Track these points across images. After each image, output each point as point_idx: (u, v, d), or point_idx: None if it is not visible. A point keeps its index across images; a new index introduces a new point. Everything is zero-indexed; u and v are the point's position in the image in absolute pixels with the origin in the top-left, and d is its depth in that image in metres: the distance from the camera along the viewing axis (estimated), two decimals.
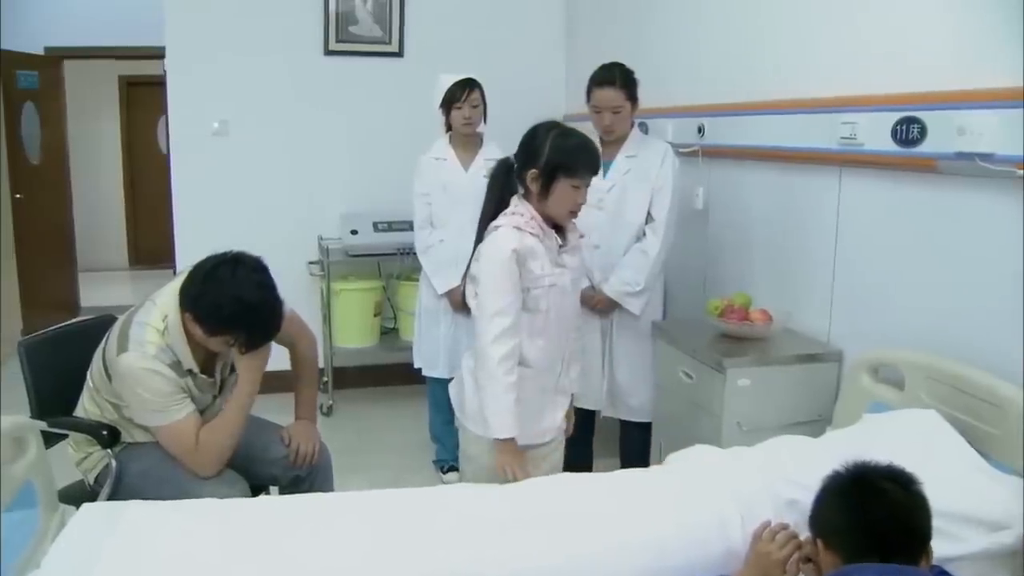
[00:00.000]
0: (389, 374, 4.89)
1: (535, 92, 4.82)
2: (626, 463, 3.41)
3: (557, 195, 2.22)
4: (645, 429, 3.32)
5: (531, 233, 2.21)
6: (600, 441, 3.58)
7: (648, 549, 1.77)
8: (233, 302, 2.11)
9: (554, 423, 2.44)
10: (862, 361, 2.51)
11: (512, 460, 2.23)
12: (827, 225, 2.80)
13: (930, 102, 2.29)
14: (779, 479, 1.89)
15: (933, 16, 2.34)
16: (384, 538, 1.80)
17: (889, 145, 2.43)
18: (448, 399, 3.61)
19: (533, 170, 2.22)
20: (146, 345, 2.18)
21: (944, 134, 2.22)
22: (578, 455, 3.50)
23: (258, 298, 2.15)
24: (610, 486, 2.01)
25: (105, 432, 2.30)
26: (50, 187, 6.80)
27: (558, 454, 2.54)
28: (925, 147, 2.30)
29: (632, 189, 3.12)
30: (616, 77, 3.04)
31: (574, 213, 2.28)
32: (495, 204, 2.31)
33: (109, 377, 2.27)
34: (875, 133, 2.49)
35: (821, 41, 2.82)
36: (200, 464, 2.24)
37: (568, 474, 2.15)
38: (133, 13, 6.46)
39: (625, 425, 3.37)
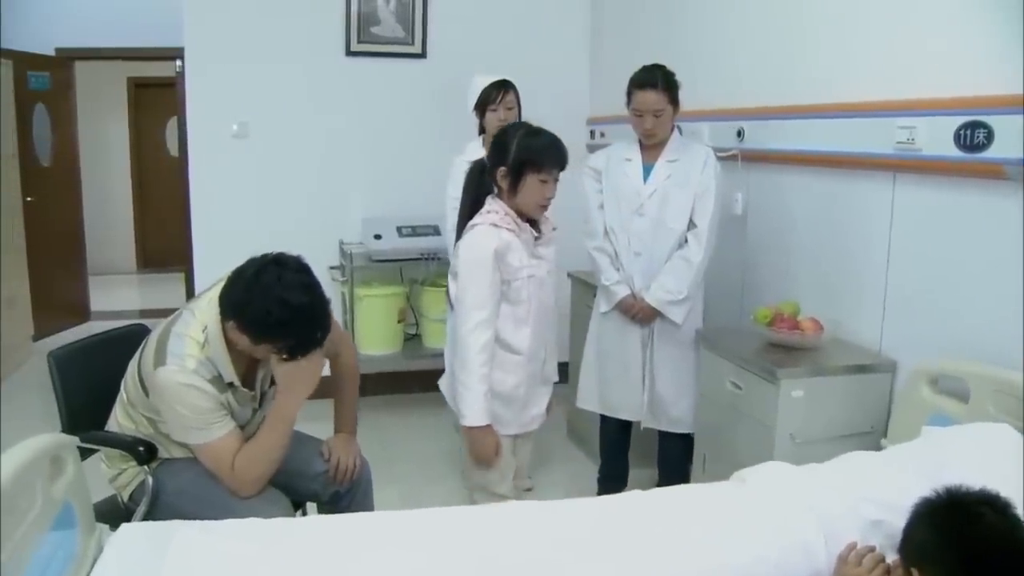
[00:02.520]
0: (413, 381, 4.81)
1: (559, 94, 4.76)
2: (664, 474, 3.34)
3: (526, 189, 2.34)
4: (684, 440, 3.25)
5: (507, 229, 2.34)
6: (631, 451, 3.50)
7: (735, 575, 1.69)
8: (281, 306, 1.99)
9: (539, 411, 2.60)
10: (921, 371, 2.43)
11: (489, 446, 2.40)
12: (879, 232, 2.72)
13: (997, 106, 2.21)
14: (861, 499, 1.81)
15: (996, 16, 2.26)
16: (452, 564, 1.71)
17: (951, 150, 2.35)
18: None
19: (502, 168, 2.35)
20: (185, 358, 2.08)
21: (1012, 139, 2.14)
22: (614, 468, 3.45)
23: (306, 300, 2.04)
24: (683, 504, 1.92)
25: (142, 448, 2.20)
26: (61, 190, 6.72)
27: (531, 442, 2.74)
28: (991, 152, 2.22)
29: (674, 195, 3.04)
30: (658, 79, 2.95)
31: (544, 207, 2.40)
32: (471, 204, 2.44)
33: (145, 391, 2.17)
34: (936, 138, 2.41)
35: (873, 42, 2.73)
36: (239, 484, 2.15)
37: (636, 492, 2.06)
38: (143, 15, 6.43)
39: (664, 436, 3.28)
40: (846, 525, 1.76)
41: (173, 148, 9.36)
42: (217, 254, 4.61)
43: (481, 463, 2.43)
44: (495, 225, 2.33)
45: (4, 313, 5.39)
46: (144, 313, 7.67)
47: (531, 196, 2.34)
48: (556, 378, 2.69)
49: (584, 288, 4.07)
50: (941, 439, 2.11)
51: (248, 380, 2.23)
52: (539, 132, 2.40)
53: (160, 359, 2.09)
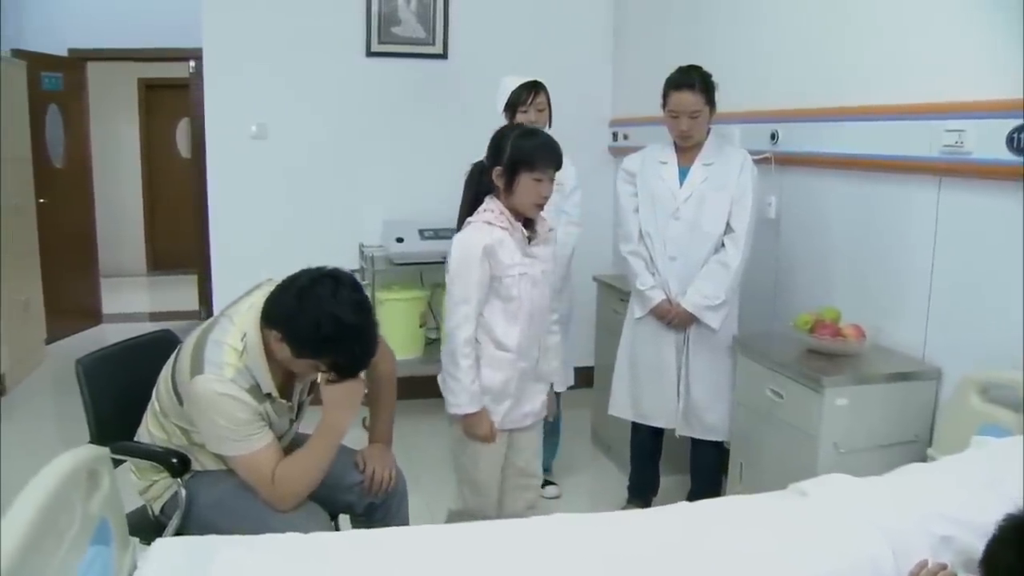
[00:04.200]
0: (434, 386, 4.70)
1: (581, 96, 4.69)
2: (697, 483, 3.28)
3: (521, 189, 2.38)
4: (718, 448, 3.19)
5: (500, 227, 2.39)
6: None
7: None
8: (332, 322, 1.94)
9: (533, 408, 2.61)
10: (970, 380, 2.38)
11: (484, 428, 2.46)
12: (923, 237, 2.66)
13: None
14: (928, 513, 1.75)
15: None
16: None
17: (1003, 153, 2.29)
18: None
19: (498, 167, 2.40)
20: (223, 367, 2.02)
21: None
22: (645, 477, 3.39)
23: (358, 320, 1.98)
24: (742, 517, 1.86)
25: (175, 460, 2.14)
26: (73, 191, 6.68)
27: (538, 438, 2.73)
28: None
29: (710, 198, 2.98)
30: (695, 80, 2.90)
31: (540, 205, 2.43)
32: (470, 203, 2.50)
33: (180, 400, 2.11)
34: (986, 141, 2.35)
35: (916, 43, 2.67)
36: (278, 498, 2.08)
37: (684, 503, 2.01)
38: (155, 16, 6.38)
39: (697, 443, 3.21)
40: (915, 541, 1.70)
41: (184, 149, 9.33)
42: (235, 257, 4.60)
43: (479, 441, 2.50)
44: (488, 223, 2.39)
45: (19, 316, 5.34)
46: (155, 316, 7.63)
47: (526, 195, 2.39)
48: (554, 378, 2.72)
49: (610, 292, 4.01)
50: (997, 450, 2.06)
51: (285, 391, 2.16)
52: (533, 133, 2.47)
53: (197, 367, 2.02)
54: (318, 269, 2.06)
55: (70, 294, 6.53)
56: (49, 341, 6.06)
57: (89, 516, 1.73)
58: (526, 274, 2.43)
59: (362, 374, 2.16)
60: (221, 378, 2.01)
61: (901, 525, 1.72)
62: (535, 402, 2.60)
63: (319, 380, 2.10)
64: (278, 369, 2.09)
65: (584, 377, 3.99)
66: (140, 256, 9.59)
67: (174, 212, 9.13)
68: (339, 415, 2.11)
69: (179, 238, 8.92)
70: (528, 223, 2.47)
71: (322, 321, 1.94)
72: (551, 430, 3.72)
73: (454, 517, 2.63)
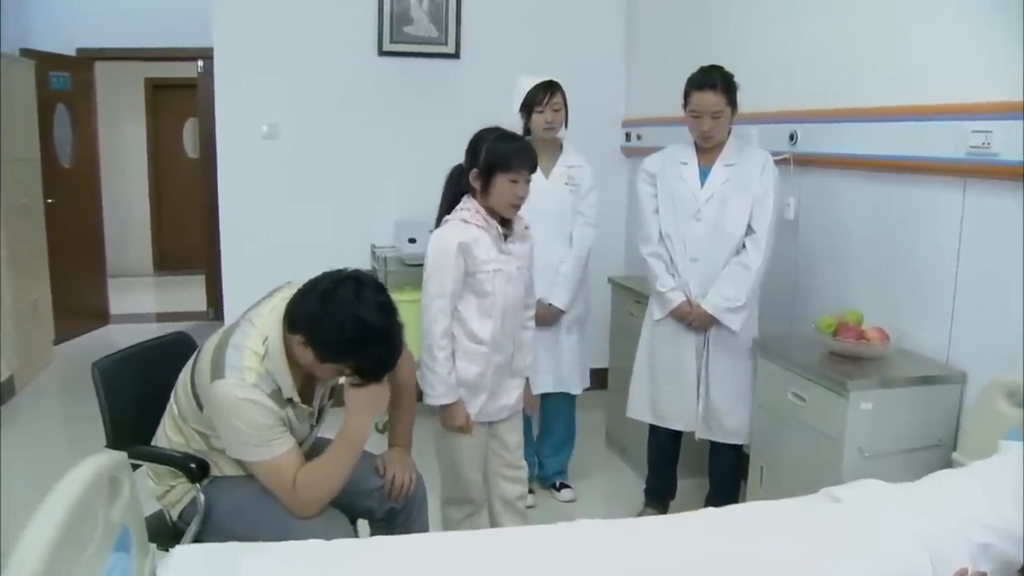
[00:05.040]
0: None
1: (594, 96, 4.63)
2: (716, 486, 3.25)
3: (497, 189, 2.46)
4: (737, 451, 3.16)
5: (476, 225, 2.47)
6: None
7: None
8: (357, 325, 1.91)
9: (509, 402, 2.67)
10: (997, 384, 2.34)
11: (460, 418, 2.54)
12: (947, 239, 2.62)
13: None
14: (965, 520, 1.72)
15: None
16: None
17: None
18: (525, 418, 3.48)
19: (475, 169, 2.48)
20: (245, 371, 1.98)
21: None
22: (662, 480, 3.36)
23: (383, 322, 1.95)
24: (775, 523, 1.83)
25: (194, 465, 2.10)
26: (81, 191, 6.66)
27: (519, 429, 2.78)
28: None
29: (732, 200, 2.94)
30: (717, 80, 2.86)
31: (516, 205, 2.51)
32: (449, 203, 2.58)
33: (199, 405, 2.07)
34: (1014, 142, 2.31)
35: (940, 43, 2.64)
36: (299, 505, 2.05)
37: (711, 509, 1.98)
38: (163, 15, 6.36)
39: (715, 447, 3.18)
40: (953, 548, 1.68)
41: (190, 149, 9.31)
42: (245, 257, 4.57)
43: (456, 432, 2.58)
44: (465, 221, 2.48)
45: (27, 317, 5.32)
46: (162, 316, 7.61)
47: (502, 195, 2.46)
48: (528, 373, 2.79)
49: (625, 293, 3.98)
50: None
51: (306, 395, 2.13)
52: (508, 136, 2.54)
53: (217, 371, 1.99)
54: (340, 271, 2.03)
55: (78, 294, 6.52)
56: (57, 342, 6.04)
57: (111, 523, 1.70)
58: (500, 270, 2.51)
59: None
60: (242, 382, 1.97)
61: (938, 532, 1.70)
62: (511, 396, 2.67)
63: (343, 383, 2.06)
64: (299, 373, 2.06)
65: (598, 379, 3.96)
66: (147, 256, 9.57)
67: (181, 212, 9.11)
68: (362, 420, 2.08)
69: (186, 238, 8.91)
70: (504, 221, 2.54)
71: (346, 323, 1.91)
72: (566, 433, 3.69)
73: (444, 505, 2.71)
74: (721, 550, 1.71)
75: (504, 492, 2.74)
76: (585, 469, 3.91)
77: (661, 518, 2.00)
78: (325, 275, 2.02)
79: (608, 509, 3.62)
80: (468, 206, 2.51)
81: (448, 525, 2.70)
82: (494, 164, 2.45)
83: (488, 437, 2.68)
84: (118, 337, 6.65)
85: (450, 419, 2.56)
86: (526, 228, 2.65)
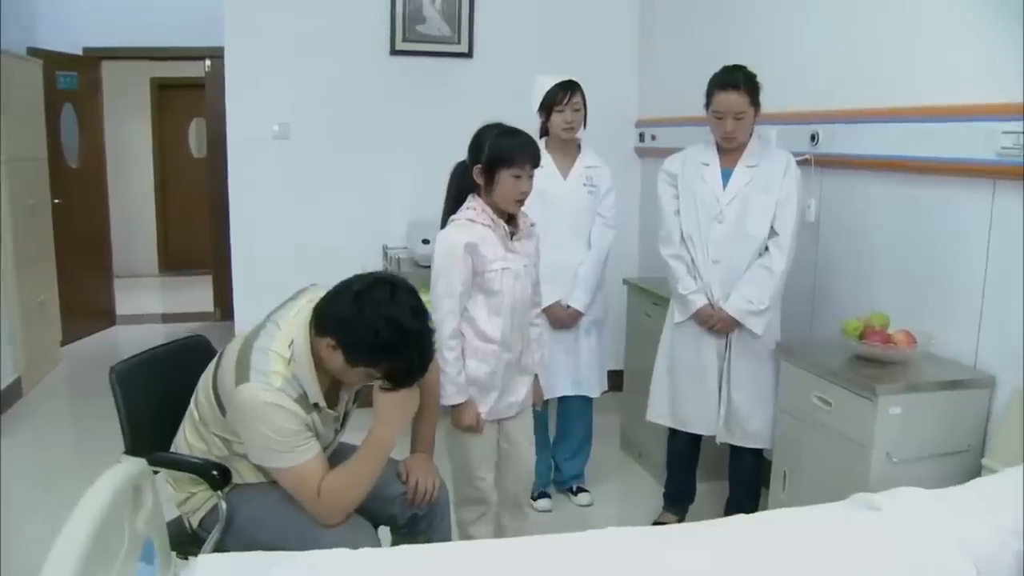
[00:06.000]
0: None
1: (607, 96, 4.55)
2: (736, 491, 3.21)
3: (501, 186, 2.46)
4: (758, 455, 3.12)
5: (483, 224, 2.48)
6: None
7: None
8: (391, 328, 1.87)
9: (518, 399, 2.68)
10: None
11: (470, 417, 2.55)
12: (975, 241, 2.58)
13: None
14: (1008, 530, 1.68)
15: None
16: None
17: None
18: (542, 421, 3.45)
19: (478, 166, 2.48)
20: (271, 376, 1.94)
21: None
22: (681, 484, 3.32)
23: (417, 325, 1.92)
24: (813, 531, 1.79)
25: (216, 472, 2.07)
26: (88, 191, 6.62)
27: (528, 425, 2.80)
28: None
29: (754, 201, 2.91)
30: (740, 80, 2.82)
31: (520, 202, 2.51)
32: (453, 201, 2.59)
33: (222, 410, 2.03)
34: None
35: (967, 43, 2.60)
36: (324, 512, 2.01)
37: (742, 516, 1.94)
38: (170, 15, 6.32)
39: (736, 451, 3.14)
40: (998, 557, 1.64)
41: (196, 149, 9.28)
42: (256, 258, 4.54)
43: (465, 431, 2.58)
44: (471, 220, 2.48)
45: (35, 318, 5.28)
46: (168, 317, 7.58)
47: (506, 191, 2.46)
48: (537, 370, 2.80)
49: (641, 295, 3.94)
50: None
51: (331, 400, 2.09)
52: (511, 132, 2.53)
53: (242, 375, 1.94)
54: (371, 274, 2.00)
55: (84, 295, 6.48)
56: (63, 343, 6.00)
57: (136, 535, 1.67)
58: (508, 269, 2.51)
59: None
60: (268, 387, 1.93)
61: (983, 540, 1.66)
62: (519, 393, 2.68)
63: (375, 388, 2.02)
64: (325, 378, 2.02)
65: (613, 381, 3.93)
66: (152, 256, 9.53)
67: (186, 212, 9.08)
68: (391, 427, 2.05)
69: (191, 238, 8.88)
70: (510, 219, 2.54)
71: (380, 326, 1.87)
72: (583, 436, 3.65)
73: (457, 506, 2.67)
74: (761, 557, 1.68)
75: (506, 488, 2.74)
76: (601, 472, 3.87)
77: (697, 525, 1.96)
78: (357, 277, 1.99)
79: (625, 513, 3.58)
80: (474, 205, 2.51)
81: (462, 527, 2.69)
82: (497, 160, 2.45)
83: (499, 435, 2.69)
84: (125, 338, 6.63)
85: (460, 419, 2.56)
86: (532, 225, 2.65)
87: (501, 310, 2.53)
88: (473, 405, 2.56)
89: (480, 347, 2.54)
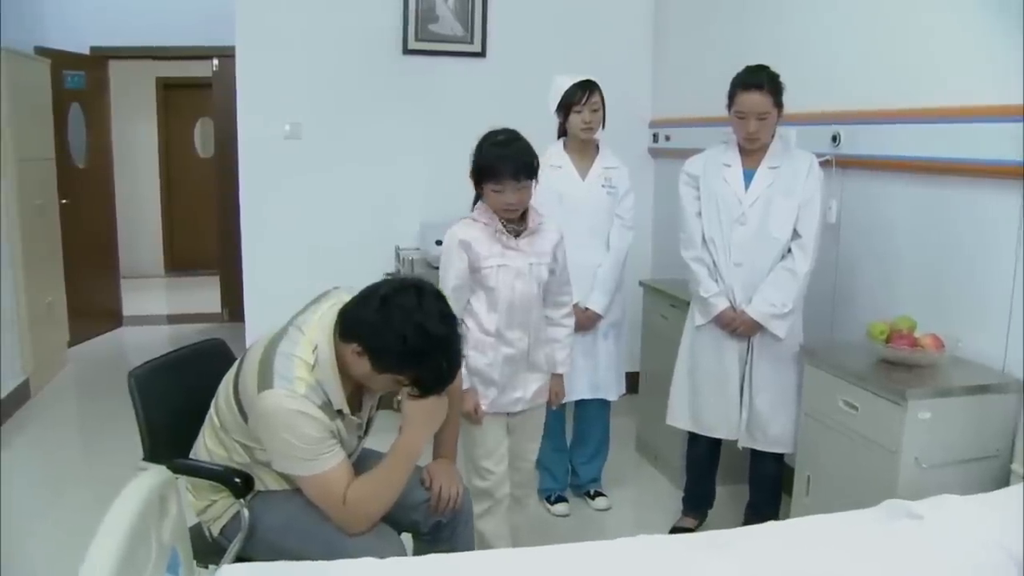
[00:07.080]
0: None
1: (621, 96, 4.50)
2: (757, 495, 3.18)
3: (487, 196, 2.54)
4: (779, 460, 3.08)
5: (483, 222, 2.57)
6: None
7: None
8: (419, 334, 1.83)
9: (525, 395, 2.71)
10: None
11: (468, 405, 2.59)
12: (1003, 243, 2.54)
13: None
14: None
15: None
16: None
17: None
18: (559, 425, 3.41)
19: (472, 173, 2.57)
20: (295, 382, 1.90)
21: None
22: (701, 488, 3.29)
23: (445, 331, 1.88)
24: (853, 539, 1.75)
25: (238, 480, 2.03)
26: (95, 191, 6.58)
27: (536, 425, 2.84)
28: None
29: (776, 203, 2.87)
30: (763, 80, 2.78)
31: (507, 211, 2.54)
32: (477, 199, 2.64)
33: (244, 416, 1.99)
34: None
35: (994, 42, 2.56)
36: (350, 521, 1.97)
37: (774, 523, 1.91)
38: (176, 14, 6.28)
39: (757, 455, 3.10)
40: None
41: (201, 149, 9.25)
42: (266, 258, 4.50)
43: (464, 419, 2.60)
44: (473, 219, 2.59)
45: (43, 319, 5.25)
46: (175, 318, 7.54)
47: (491, 202, 2.53)
48: (562, 369, 2.85)
49: (657, 297, 3.90)
50: None
51: (354, 406, 2.05)
52: (502, 143, 2.56)
53: (266, 381, 1.91)
54: (399, 279, 1.97)
55: (91, 296, 6.44)
56: (71, 344, 5.97)
57: (163, 545, 1.63)
58: (505, 266, 2.57)
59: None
60: (293, 393, 1.89)
61: None
62: (527, 389, 2.70)
63: (403, 395, 1.99)
64: (348, 383, 1.99)
65: (629, 383, 3.88)
66: (157, 257, 9.49)
67: (192, 213, 9.04)
68: (419, 435, 2.01)
69: (197, 239, 8.84)
70: (521, 217, 2.60)
71: (408, 333, 1.83)
72: (601, 440, 3.62)
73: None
74: (797, 567, 1.64)
75: (506, 484, 2.75)
76: (617, 476, 3.83)
77: (727, 532, 1.92)
78: (383, 282, 1.96)
79: (643, 517, 3.54)
80: (480, 204, 2.61)
81: None
82: (479, 172, 2.54)
83: (507, 431, 2.74)
84: (132, 340, 6.60)
85: (468, 403, 2.61)
86: (540, 224, 2.66)
87: (497, 306, 2.59)
88: (472, 394, 2.61)
89: (480, 339, 2.62)
